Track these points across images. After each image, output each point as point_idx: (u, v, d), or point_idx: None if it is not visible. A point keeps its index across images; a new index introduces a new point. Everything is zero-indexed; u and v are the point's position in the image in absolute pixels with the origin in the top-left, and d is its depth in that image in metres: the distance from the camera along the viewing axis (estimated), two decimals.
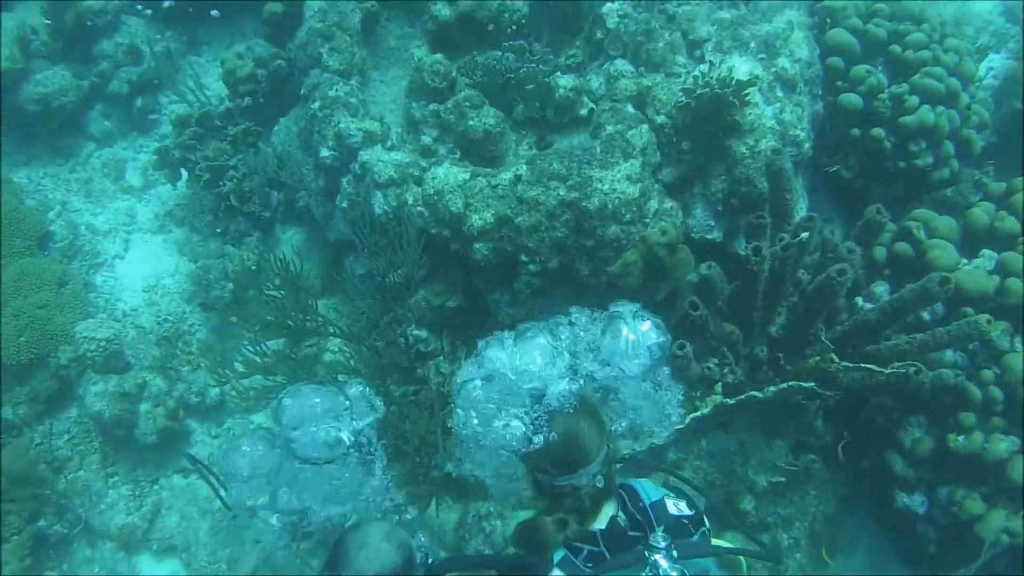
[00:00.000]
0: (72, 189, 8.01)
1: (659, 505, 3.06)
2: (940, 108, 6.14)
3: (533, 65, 6.09)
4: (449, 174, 5.76)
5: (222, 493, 3.58)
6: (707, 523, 3.09)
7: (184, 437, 7.01)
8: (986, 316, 4.86)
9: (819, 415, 5.94)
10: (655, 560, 2.81)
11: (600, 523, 3.01)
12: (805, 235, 5.38)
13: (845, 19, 6.38)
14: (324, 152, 6.34)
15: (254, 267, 7.08)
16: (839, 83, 6.35)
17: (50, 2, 8.07)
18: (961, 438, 5.26)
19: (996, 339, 5.28)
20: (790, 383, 5.34)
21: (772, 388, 5.37)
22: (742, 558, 3.35)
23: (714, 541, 3.07)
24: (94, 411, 6.68)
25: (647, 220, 5.64)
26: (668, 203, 5.80)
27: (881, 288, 5.83)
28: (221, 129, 7.50)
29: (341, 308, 7.06)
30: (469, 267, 6.06)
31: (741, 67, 5.92)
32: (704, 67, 5.79)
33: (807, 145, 6.08)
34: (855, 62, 6.31)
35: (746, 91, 5.60)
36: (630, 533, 2.96)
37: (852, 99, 6.22)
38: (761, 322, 5.68)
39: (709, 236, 5.95)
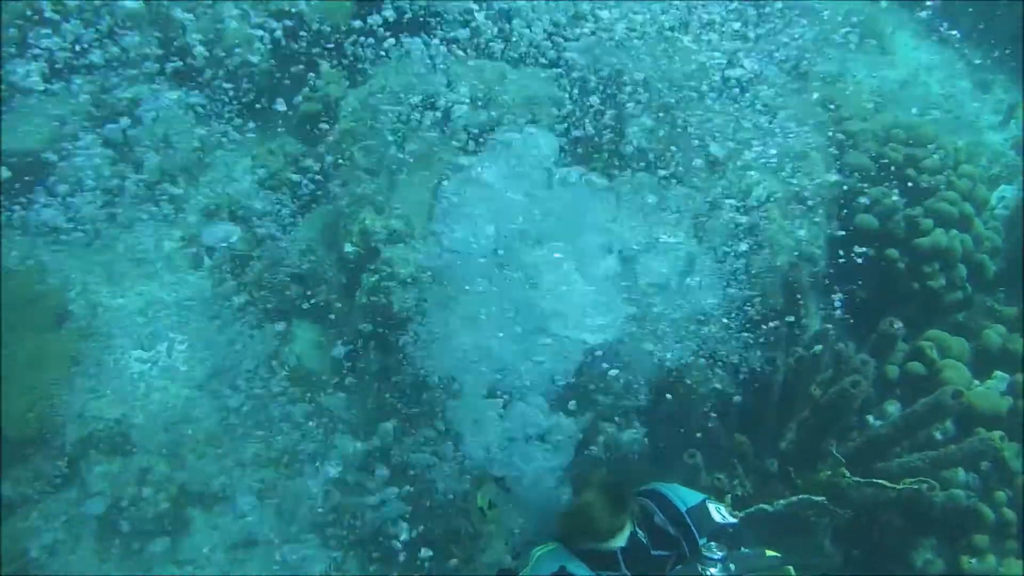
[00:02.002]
0: (94, 271, 8.12)
1: (700, 511, 2.79)
2: (953, 231, 6.27)
3: None
4: None
5: None
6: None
7: (185, 526, 6.91)
8: (999, 432, 4.86)
9: (828, 534, 5.85)
10: None
11: (619, 540, 2.75)
12: (819, 348, 5.42)
13: (863, 142, 6.56)
14: (348, 247, 6.45)
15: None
16: (855, 203, 6.48)
17: None
18: (974, 560, 5.18)
19: (1009, 459, 5.26)
20: (800, 497, 5.28)
21: (782, 502, 5.31)
22: (792, 571, 3.03)
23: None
24: (94, 493, 6.62)
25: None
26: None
27: (893, 407, 5.82)
28: (246, 220, 7.64)
29: (353, 405, 7.04)
30: None
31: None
32: (725, 182, 5.95)
33: (822, 263, 6.18)
34: (871, 183, 6.46)
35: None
36: (654, 553, 2.72)
37: (868, 219, 6.35)
38: (772, 435, 5.67)
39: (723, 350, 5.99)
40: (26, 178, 7.42)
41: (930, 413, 4.97)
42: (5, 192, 7.37)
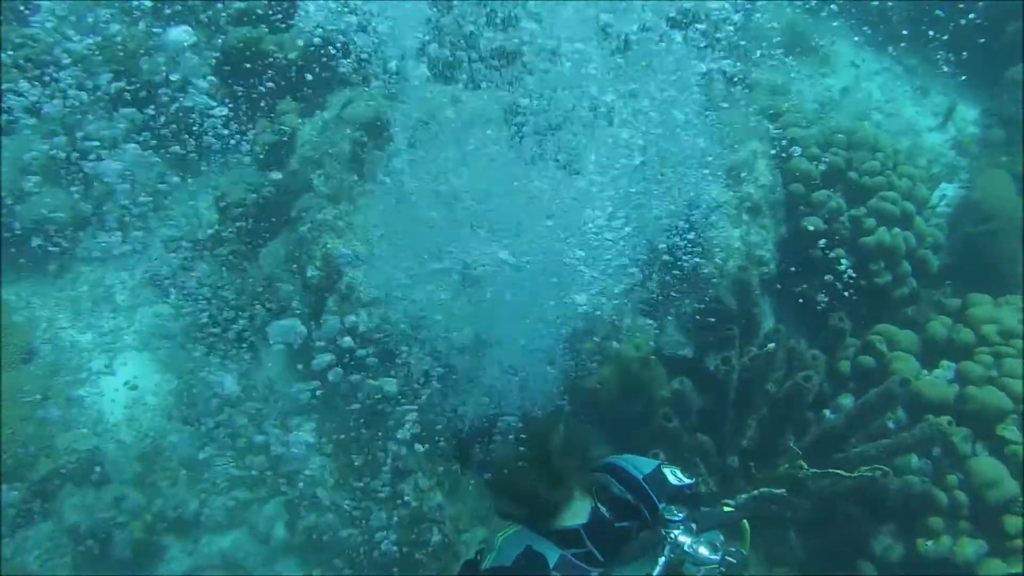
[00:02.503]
0: (60, 307, 8.13)
1: (656, 477, 2.76)
2: (896, 229, 6.49)
3: None
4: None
5: None
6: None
7: (160, 553, 6.94)
8: (947, 418, 5.05)
9: (791, 527, 6.00)
10: (676, 539, 2.54)
11: (579, 517, 2.71)
12: (772, 346, 5.60)
13: (805, 148, 6.79)
14: (311, 272, 6.54)
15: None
16: (801, 207, 6.70)
17: None
18: (930, 543, 5.35)
19: (958, 443, 5.45)
20: (761, 491, 5.43)
21: (743, 496, 5.47)
22: (746, 524, 2.94)
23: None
24: (69, 524, 6.65)
25: (621, 336, 5.85)
26: (641, 320, 6.02)
27: (847, 400, 6.01)
28: (211, 251, 7.71)
29: (322, 428, 7.11)
30: None
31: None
32: None
33: (772, 265, 6.37)
34: (815, 187, 6.69)
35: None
36: (618, 525, 2.68)
37: (814, 221, 6.56)
38: (732, 433, 5.83)
39: (681, 352, 6.15)
40: None
41: (881, 402, 5.16)
42: None
